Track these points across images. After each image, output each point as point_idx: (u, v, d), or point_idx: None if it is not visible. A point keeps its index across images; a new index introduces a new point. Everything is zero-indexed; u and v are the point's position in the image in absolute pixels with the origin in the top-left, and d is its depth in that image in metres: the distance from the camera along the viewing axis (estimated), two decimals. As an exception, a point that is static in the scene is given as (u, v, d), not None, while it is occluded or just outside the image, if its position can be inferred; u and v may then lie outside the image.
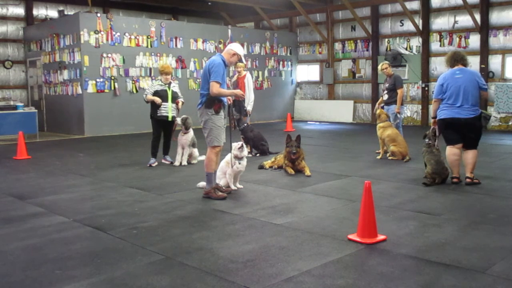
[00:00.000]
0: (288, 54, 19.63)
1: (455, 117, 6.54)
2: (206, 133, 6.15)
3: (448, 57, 6.87)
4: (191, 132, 8.71)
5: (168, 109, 8.61)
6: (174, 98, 8.72)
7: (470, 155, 6.65)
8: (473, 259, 3.93)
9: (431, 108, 7.05)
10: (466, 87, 6.52)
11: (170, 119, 8.66)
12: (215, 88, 5.95)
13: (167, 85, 8.68)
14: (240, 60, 6.34)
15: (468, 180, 6.66)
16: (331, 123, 17.68)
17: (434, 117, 6.90)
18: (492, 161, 8.70)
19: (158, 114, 8.61)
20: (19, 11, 16.40)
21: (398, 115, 9.78)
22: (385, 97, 9.96)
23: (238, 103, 9.77)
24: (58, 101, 15.13)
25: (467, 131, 6.62)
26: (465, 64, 6.75)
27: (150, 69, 15.35)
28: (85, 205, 5.98)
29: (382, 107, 9.98)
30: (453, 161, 6.70)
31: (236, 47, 6.26)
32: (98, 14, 14.65)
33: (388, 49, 17.05)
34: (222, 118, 6.19)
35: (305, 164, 7.82)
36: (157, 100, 8.45)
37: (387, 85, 9.94)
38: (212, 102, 6.05)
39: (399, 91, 9.69)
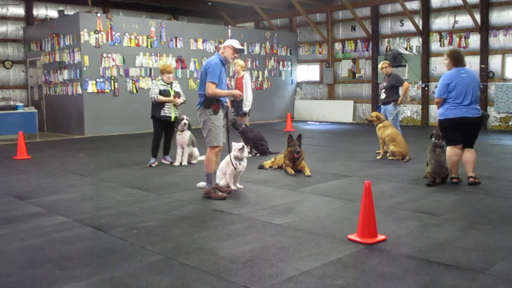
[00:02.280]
0: (288, 54, 19.63)
1: (465, 116, 6.50)
2: (205, 133, 6.14)
3: (454, 55, 6.70)
4: (187, 131, 8.69)
5: (171, 110, 8.62)
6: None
7: (470, 154, 6.66)
8: (473, 259, 3.93)
9: (436, 107, 6.89)
10: (472, 86, 6.56)
11: (173, 119, 8.66)
12: (210, 88, 5.94)
13: (169, 85, 8.68)
14: (235, 51, 6.16)
15: (471, 179, 6.65)
16: (331, 123, 17.68)
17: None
18: (492, 161, 8.70)
19: (162, 114, 8.59)
20: (19, 11, 16.40)
21: (398, 107, 9.79)
22: (382, 96, 9.96)
23: (237, 103, 9.77)
24: (58, 101, 15.13)
25: (471, 130, 6.62)
26: (465, 64, 6.79)
27: (150, 69, 15.35)
28: (85, 205, 5.98)
29: (378, 108, 9.95)
30: (454, 162, 6.69)
31: (228, 41, 6.22)
32: (98, 14, 14.65)
33: (388, 49, 17.05)
34: (221, 118, 6.18)
35: (305, 164, 7.82)
36: (171, 99, 8.51)
37: (385, 84, 9.93)
38: (211, 102, 6.04)
39: (404, 85, 9.75)
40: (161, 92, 8.55)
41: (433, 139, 6.96)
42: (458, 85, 6.53)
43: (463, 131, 6.62)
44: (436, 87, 17.10)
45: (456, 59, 6.70)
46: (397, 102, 9.72)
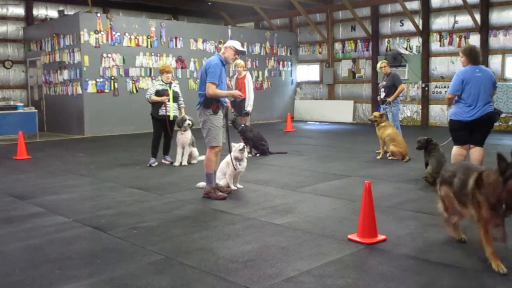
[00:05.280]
0: (288, 54, 19.63)
1: (475, 117, 6.37)
2: (205, 133, 6.15)
3: (469, 53, 6.52)
4: (189, 131, 8.71)
5: (170, 109, 8.61)
6: (175, 98, 8.73)
7: (478, 155, 6.53)
8: (473, 259, 3.93)
9: (447, 104, 6.65)
10: (485, 85, 6.42)
11: (172, 118, 8.66)
12: (210, 89, 5.94)
13: (168, 85, 8.68)
14: (236, 52, 6.19)
15: None
16: (331, 123, 17.68)
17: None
18: (492, 161, 8.66)
19: (160, 113, 8.60)
20: (19, 11, 16.40)
21: (397, 105, 9.84)
22: (382, 95, 10.00)
23: (239, 103, 9.76)
24: (58, 101, 15.13)
25: (482, 127, 6.49)
26: (481, 62, 6.62)
27: (150, 69, 15.35)
28: (85, 205, 5.98)
29: (378, 107, 9.95)
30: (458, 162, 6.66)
31: (230, 42, 6.24)
32: (98, 14, 14.65)
33: (388, 49, 17.05)
34: (220, 118, 6.18)
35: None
36: (164, 98, 8.48)
37: (384, 83, 9.98)
38: (210, 102, 6.05)
39: (399, 87, 9.76)
40: (159, 92, 8.55)
41: (434, 139, 6.96)
42: (471, 84, 6.38)
43: (473, 129, 6.53)
44: (436, 87, 17.03)
45: (472, 57, 6.50)
46: (389, 99, 9.76)
